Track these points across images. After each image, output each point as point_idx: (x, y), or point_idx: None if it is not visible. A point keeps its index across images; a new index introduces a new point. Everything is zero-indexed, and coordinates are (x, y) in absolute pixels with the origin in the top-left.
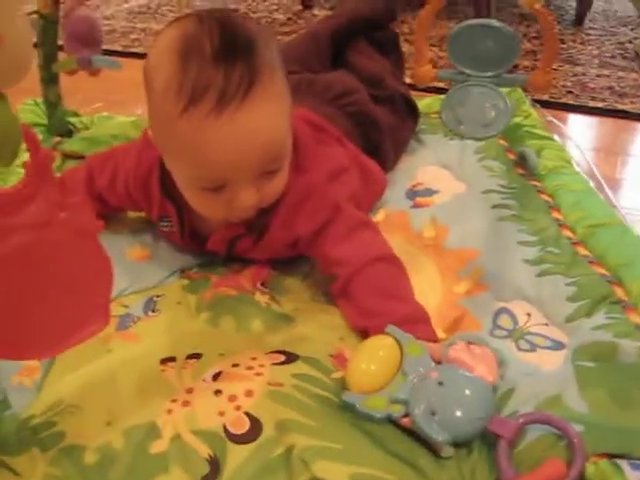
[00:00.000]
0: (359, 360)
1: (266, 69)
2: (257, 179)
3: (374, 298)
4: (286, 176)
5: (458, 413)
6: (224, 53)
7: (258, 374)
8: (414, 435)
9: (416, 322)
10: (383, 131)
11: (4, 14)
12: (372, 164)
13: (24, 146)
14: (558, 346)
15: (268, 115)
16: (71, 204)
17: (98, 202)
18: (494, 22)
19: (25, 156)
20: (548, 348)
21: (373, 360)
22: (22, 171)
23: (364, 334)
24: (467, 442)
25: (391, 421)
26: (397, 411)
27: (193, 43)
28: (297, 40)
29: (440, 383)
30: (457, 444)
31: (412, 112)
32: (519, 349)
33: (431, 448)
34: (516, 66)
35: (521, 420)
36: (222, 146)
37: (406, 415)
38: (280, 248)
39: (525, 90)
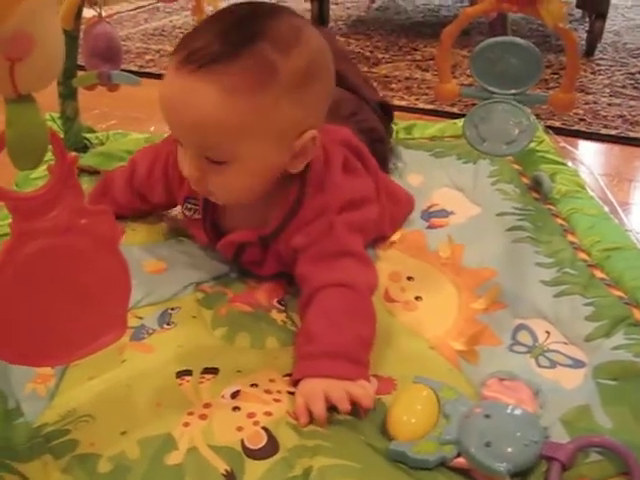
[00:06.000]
0: (400, 412)
1: (244, 66)
2: (198, 159)
3: (320, 321)
4: (241, 183)
5: (513, 439)
6: (228, 28)
7: (276, 400)
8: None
9: (337, 357)
10: (387, 146)
11: (37, 18)
12: (400, 189)
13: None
14: (578, 364)
15: (209, 98)
16: (93, 211)
17: (137, 197)
18: (518, 39)
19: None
20: (568, 366)
21: (414, 413)
22: (40, 184)
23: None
24: (524, 471)
25: (443, 465)
26: (449, 452)
27: (220, 13)
28: None
29: (487, 416)
30: (515, 474)
31: (388, 115)
32: (539, 365)
33: None
34: None
35: (575, 444)
36: (165, 99)
37: (458, 455)
38: (285, 259)
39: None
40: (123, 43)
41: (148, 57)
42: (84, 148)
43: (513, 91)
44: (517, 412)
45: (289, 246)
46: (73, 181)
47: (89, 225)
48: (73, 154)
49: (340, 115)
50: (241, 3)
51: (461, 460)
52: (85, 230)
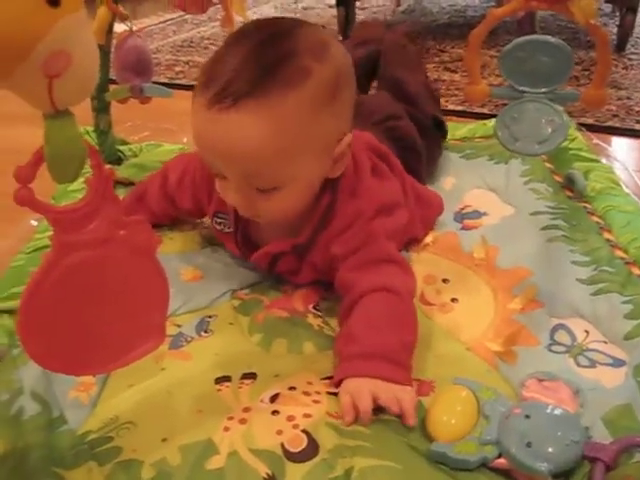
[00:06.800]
0: (440, 413)
1: (280, 89)
2: (244, 188)
3: (363, 323)
4: (292, 202)
5: (554, 439)
6: (252, 55)
7: (316, 401)
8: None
9: (375, 358)
10: (421, 157)
11: (74, 35)
12: (429, 192)
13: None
14: (618, 363)
15: (252, 131)
16: (130, 222)
17: (169, 203)
18: (548, 37)
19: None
20: (608, 365)
21: (453, 414)
22: (77, 196)
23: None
24: (566, 471)
25: (484, 466)
26: (490, 452)
27: (237, 37)
28: None
29: (527, 416)
30: (556, 475)
31: (440, 131)
32: (578, 365)
33: None
34: None
35: (618, 444)
36: (202, 138)
37: (499, 455)
38: (321, 268)
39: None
40: (153, 55)
41: (178, 69)
42: (118, 160)
43: (544, 89)
44: (557, 412)
45: (326, 255)
46: (110, 193)
47: (127, 236)
48: (109, 167)
49: (370, 121)
50: (261, 22)
51: (502, 461)
52: (123, 241)
